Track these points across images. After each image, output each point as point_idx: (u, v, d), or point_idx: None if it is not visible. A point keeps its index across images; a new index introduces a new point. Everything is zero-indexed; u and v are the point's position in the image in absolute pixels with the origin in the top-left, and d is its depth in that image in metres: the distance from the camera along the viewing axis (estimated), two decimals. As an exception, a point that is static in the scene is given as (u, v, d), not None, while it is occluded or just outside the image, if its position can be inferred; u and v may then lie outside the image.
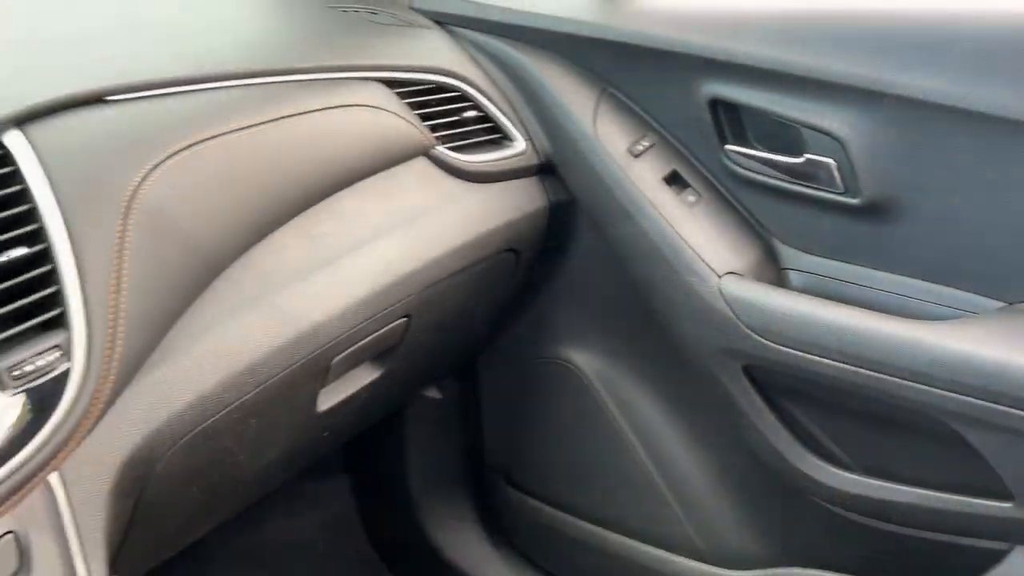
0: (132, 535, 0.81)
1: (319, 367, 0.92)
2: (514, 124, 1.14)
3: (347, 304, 0.91)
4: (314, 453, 1.18)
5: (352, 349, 0.95)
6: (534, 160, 1.15)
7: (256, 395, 0.84)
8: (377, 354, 1.04)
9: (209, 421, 0.80)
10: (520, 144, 1.14)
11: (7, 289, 0.65)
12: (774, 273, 1.09)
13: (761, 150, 1.04)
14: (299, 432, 1.01)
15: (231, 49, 0.97)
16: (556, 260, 1.23)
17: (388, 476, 1.49)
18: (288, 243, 0.88)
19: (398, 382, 1.16)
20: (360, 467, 1.56)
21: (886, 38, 0.95)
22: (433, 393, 1.41)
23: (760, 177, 1.05)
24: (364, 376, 1.05)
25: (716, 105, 1.04)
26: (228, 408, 0.81)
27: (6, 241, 0.66)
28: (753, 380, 1.07)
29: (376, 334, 0.98)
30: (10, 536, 0.64)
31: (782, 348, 1.01)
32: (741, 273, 1.06)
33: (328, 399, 0.99)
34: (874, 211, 0.99)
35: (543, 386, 1.33)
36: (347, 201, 0.95)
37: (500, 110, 1.14)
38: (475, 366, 1.40)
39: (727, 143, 1.06)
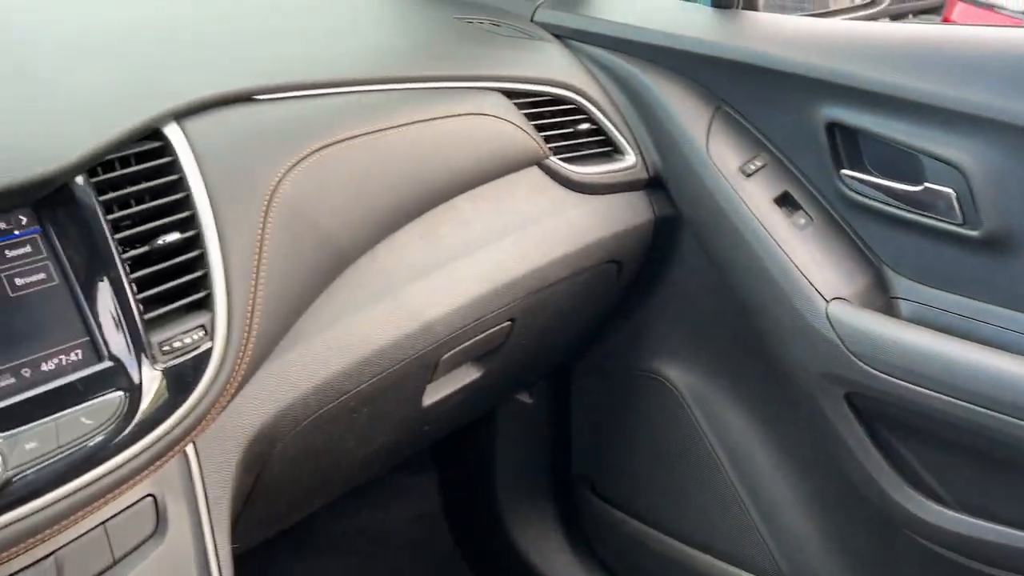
0: (248, 510, 0.86)
1: (429, 362, 0.96)
2: (626, 138, 1.16)
3: (460, 304, 0.94)
4: (413, 446, 1.22)
5: (460, 347, 0.99)
6: (643, 174, 1.16)
7: (371, 385, 0.88)
8: (481, 354, 1.07)
9: (328, 407, 0.84)
10: (631, 158, 1.16)
11: (161, 271, 0.70)
12: (883, 301, 1.07)
13: (877, 176, 1.03)
14: (404, 424, 1.05)
15: (364, 55, 1.01)
16: (658, 274, 1.24)
17: (475, 476, 1.52)
18: (409, 242, 0.92)
19: (497, 383, 1.19)
20: (449, 465, 1.59)
21: (1014, 67, 0.93)
22: (525, 397, 1.44)
23: (875, 203, 1.04)
24: (468, 374, 1.09)
25: (833, 129, 1.04)
26: (345, 396, 0.86)
27: (163, 226, 0.71)
28: (854, 407, 1.06)
29: (483, 335, 1.01)
30: (149, 499, 0.69)
31: (887, 377, 1.00)
32: (849, 299, 1.05)
33: (433, 394, 1.03)
34: (993, 244, 0.97)
35: (635, 399, 1.33)
36: (464, 205, 0.99)
37: (613, 124, 1.16)
38: (569, 374, 1.42)
39: (842, 167, 1.05)
